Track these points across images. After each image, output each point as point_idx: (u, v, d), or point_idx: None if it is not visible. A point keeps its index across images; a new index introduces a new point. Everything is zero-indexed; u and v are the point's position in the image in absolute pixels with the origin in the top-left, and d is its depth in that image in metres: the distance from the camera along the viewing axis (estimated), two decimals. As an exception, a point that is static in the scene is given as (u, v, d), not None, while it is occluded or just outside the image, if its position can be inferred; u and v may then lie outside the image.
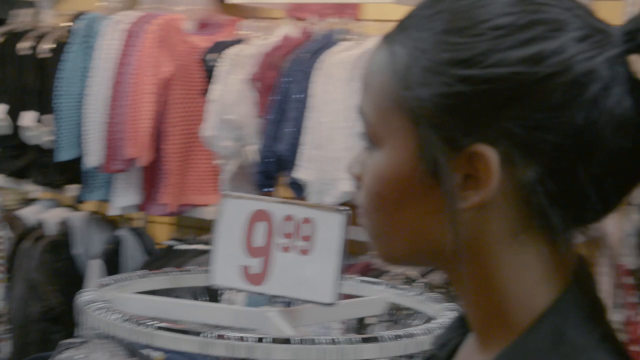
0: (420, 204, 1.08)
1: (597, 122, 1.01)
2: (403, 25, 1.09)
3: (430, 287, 3.69)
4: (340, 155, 4.22)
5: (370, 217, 1.13)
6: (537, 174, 1.02)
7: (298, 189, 4.39)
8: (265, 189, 4.48)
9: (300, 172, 4.31)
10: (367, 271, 4.14)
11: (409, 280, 3.89)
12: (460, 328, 1.24)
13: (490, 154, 1.01)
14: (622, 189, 1.05)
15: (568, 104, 1.00)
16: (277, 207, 2.59)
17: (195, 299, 3.30)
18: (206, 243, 4.94)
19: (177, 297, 3.02)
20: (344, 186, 4.20)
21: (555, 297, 1.07)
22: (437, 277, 4.28)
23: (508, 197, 1.04)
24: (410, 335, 2.35)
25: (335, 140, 4.24)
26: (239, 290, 2.84)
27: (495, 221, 1.06)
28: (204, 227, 5.10)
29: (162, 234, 5.62)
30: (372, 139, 1.10)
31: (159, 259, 5.01)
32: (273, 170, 4.45)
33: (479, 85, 1.01)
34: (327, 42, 4.48)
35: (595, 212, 1.06)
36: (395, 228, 1.11)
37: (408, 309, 2.94)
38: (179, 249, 4.95)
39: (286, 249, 2.56)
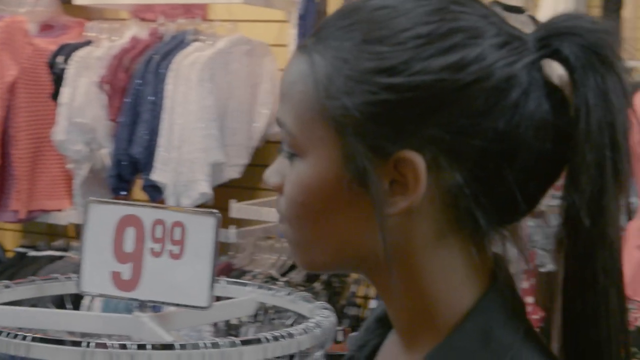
0: (347, 212, 1.08)
1: (518, 126, 1.03)
2: (320, 36, 1.09)
3: (291, 286, 3.71)
4: (195, 157, 4.22)
5: (293, 225, 1.12)
6: (463, 177, 1.04)
7: (154, 192, 4.36)
8: (119, 193, 4.44)
9: (156, 175, 4.28)
10: (229, 272, 4.15)
11: (271, 280, 3.91)
12: (378, 329, 1.26)
13: (417, 160, 1.02)
14: (543, 189, 1.08)
15: (490, 110, 1.02)
16: (147, 211, 2.56)
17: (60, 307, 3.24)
18: (60, 249, 4.87)
19: (34, 306, 2.96)
20: (201, 187, 4.21)
21: (478, 297, 1.10)
22: (296, 276, 4.32)
23: (434, 201, 1.05)
24: (290, 336, 2.35)
25: (190, 141, 4.23)
26: (110, 297, 2.78)
27: (421, 225, 1.07)
28: (56, 233, 5.02)
29: (9, 240, 5.49)
30: (294, 149, 1.09)
31: (9, 267, 4.91)
32: (127, 173, 4.41)
33: (403, 93, 1.02)
34: (178, 43, 4.46)
35: (518, 213, 1.09)
36: (320, 236, 1.11)
37: (276, 309, 2.95)
38: (31, 256, 4.86)
39: (157, 254, 2.53)
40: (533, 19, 4.68)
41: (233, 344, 2.26)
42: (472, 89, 1.02)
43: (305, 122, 1.08)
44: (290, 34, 4.69)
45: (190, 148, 4.22)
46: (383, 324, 1.25)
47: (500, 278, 1.12)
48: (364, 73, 1.03)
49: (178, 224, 2.52)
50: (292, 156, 1.09)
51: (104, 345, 2.20)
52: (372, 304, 4.28)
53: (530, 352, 1.08)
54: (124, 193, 4.47)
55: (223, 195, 4.41)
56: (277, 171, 1.14)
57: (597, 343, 1.08)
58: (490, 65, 1.03)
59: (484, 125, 1.03)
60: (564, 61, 1.05)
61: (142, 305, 2.66)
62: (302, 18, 4.29)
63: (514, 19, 4.60)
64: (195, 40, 4.46)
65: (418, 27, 1.03)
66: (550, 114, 1.04)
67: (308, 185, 1.08)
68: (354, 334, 1.29)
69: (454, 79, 1.02)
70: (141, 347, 2.21)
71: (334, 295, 4.26)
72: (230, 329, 3.21)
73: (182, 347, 2.22)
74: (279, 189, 1.13)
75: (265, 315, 2.94)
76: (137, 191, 4.62)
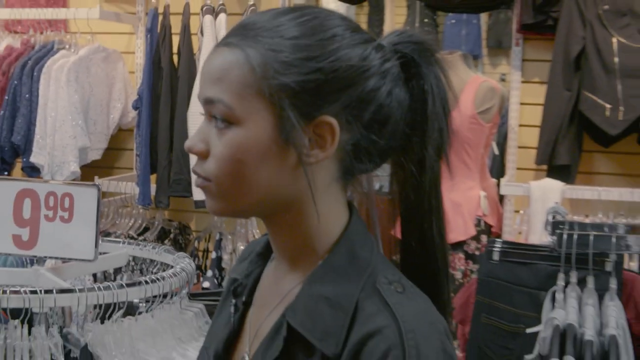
0: (273, 166, 1.16)
1: (390, 106, 1.19)
2: (248, 35, 1.17)
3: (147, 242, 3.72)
4: (66, 143, 4.19)
5: (223, 181, 1.18)
6: (352, 139, 1.18)
7: (32, 172, 4.31)
8: (3, 173, 4.36)
9: (34, 157, 4.24)
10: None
11: (131, 239, 3.92)
12: (259, 261, 1.35)
13: (334, 123, 1.15)
14: (395, 151, 1.24)
15: (377, 90, 1.18)
16: (41, 185, 2.55)
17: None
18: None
19: None
20: (72, 167, 4.19)
21: (344, 227, 1.23)
22: (150, 235, 4.34)
23: (333, 155, 1.18)
24: (163, 279, 2.40)
25: (62, 130, 4.20)
26: (13, 255, 2.75)
27: (320, 174, 1.19)
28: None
29: None
30: (231, 119, 1.15)
31: None
32: (9, 157, 4.34)
33: (326, 74, 1.14)
34: (48, 51, 4.40)
35: (376, 166, 1.24)
36: (247, 187, 1.17)
37: (143, 260, 2.98)
38: None
39: (50, 219, 2.52)
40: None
41: (121, 286, 2.29)
42: (368, 74, 1.17)
43: (243, 97, 1.15)
44: (137, 44, 4.72)
45: (61, 135, 4.18)
46: (263, 258, 1.35)
47: (354, 212, 1.25)
48: (297, 59, 1.14)
49: (67, 194, 2.51)
50: (227, 125, 1.15)
51: (18, 292, 2.19)
52: (213, 255, 4.34)
53: (383, 264, 1.21)
54: (6, 173, 4.39)
55: (88, 173, 4.39)
56: (201, 140, 1.19)
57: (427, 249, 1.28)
58: (376, 60, 1.18)
59: (372, 101, 1.18)
60: (412, 60, 1.22)
61: (39, 260, 2.65)
62: (149, 31, 4.30)
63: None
64: (62, 48, 4.41)
65: (335, 28, 1.17)
66: (408, 100, 1.22)
67: (245, 145, 1.15)
68: (236, 264, 1.35)
69: (359, 65, 1.16)
70: (48, 292, 2.21)
71: (180, 249, 4.29)
72: (106, 278, 3.21)
73: (81, 290, 2.24)
74: (203, 154, 1.19)
75: (136, 265, 2.96)
76: (17, 171, 4.54)
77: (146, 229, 4.44)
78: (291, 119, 1.15)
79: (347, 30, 1.18)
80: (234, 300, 1.35)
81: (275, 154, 1.16)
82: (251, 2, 4.17)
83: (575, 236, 2.63)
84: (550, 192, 3.80)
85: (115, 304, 2.40)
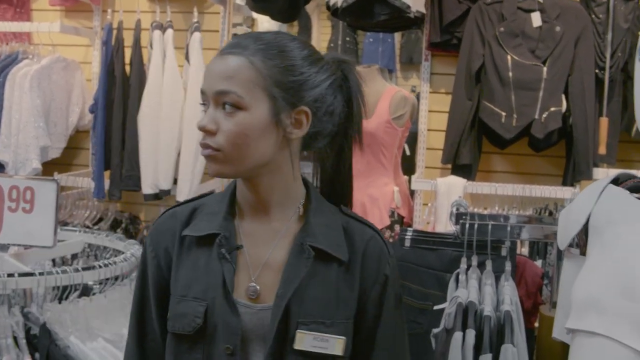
0: (267, 139, 1.43)
1: (335, 104, 1.50)
2: (248, 47, 1.42)
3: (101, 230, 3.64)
4: (29, 142, 4.08)
5: (231, 151, 1.40)
6: (312, 124, 1.47)
7: (-2, 168, 4.19)
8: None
9: (0, 155, 4.11)
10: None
11: (87, 228, 3.83)
12: (230, 220, 1.52)
13: (308, 111, 1.46)
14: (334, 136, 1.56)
15: (330, 93, 1.48)
16: (4, 180, 2.48)
17: None
18: None
19: None
20: (34, 164, 4.08)
21: (305, 184, 1.57)
22: (104, 225, 4.25)
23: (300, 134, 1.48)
24: (115, 263, 2.35)
25: (25, 131, 4.09)
26: (-21, 242, 2.67)
27: (293, 146, 1.49)
28: None
29: None
30: (240, 106, 1.39)
31: None
32: (-24, 155, 4.20)
33: (304, 80, 1.44)
34: (12, 60, 4.27)
35: (322, 145, 1.55)
36: (248, 155, 1.41)
37: (97, 247, 2.92)
38: None
39: (13, 210, 2.46)
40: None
41: (77, 270, 2.24)
42: (325, 81, 1.48)
43: (250, 91, 1.40)
44: (94, 55, 4.61)
45: (25, 136, 4.06)
46: (231, 217, 1.53)
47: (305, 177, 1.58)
48: (284, 68, 1.42)
49: (29, 188, 2.46)
50: (235, 110, 1.40)
51: (-15, 275, 2.13)
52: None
53: (343, 211, 1.58)
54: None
55: (49, 169, 4.29)
56: (210, 121, 1.41)
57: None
58: (328, 72, 1.49)
59: (326, 99, 1.48)
60: (344, 73, 1.52)
61: (3, 247, 2.58)
62: (104, 43, 4.22)
63: (239, 30, 4.67)
64: (25, 58, 4.28)
65: (303, 50, 1.47)
66: (342, 98, 1.52)
67: (250, 124, 1.40)
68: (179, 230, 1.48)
69: (319, 75, 1.47)
70: (10, 275, 2.15)
71: (130, 237, 4.20)
72: (64, 263, 3.13)
73: (41, 274, 2.18)
74: (213, 132, 1.41)
75: (90, 251, 2.89)
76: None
77: (100, 220, 4.36)
78: (281, 106, 1.42)
79: (311, 49, 1.48)
80: (220, 250, 1.47)
81: (269, 131, 1.42)
82: (195, 20, 4.11)
83: (475, 225, 2.63)
84: (454, 187, 3.82)
85: (71, 285, 2.36)
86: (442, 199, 3.82)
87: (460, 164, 3.95)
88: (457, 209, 2.94)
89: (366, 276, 1.50)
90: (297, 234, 1.49)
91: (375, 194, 3.95)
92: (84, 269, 2.26)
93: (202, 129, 1.41)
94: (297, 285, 1.44)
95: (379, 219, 3.91)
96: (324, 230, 1.49)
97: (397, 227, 3.94)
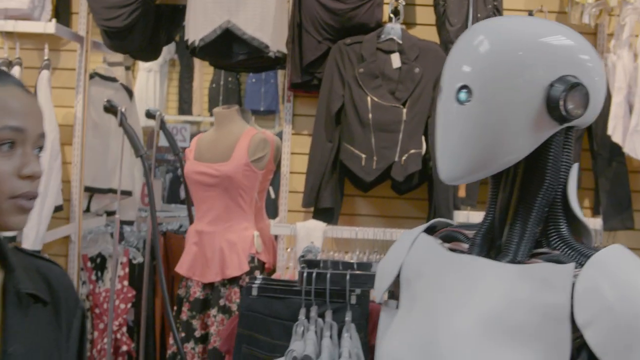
0: None
1: None
2: None
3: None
4: None
5: None
6: None
7: None
8: None
9: None
10: None
11: None
12: None
13: None
14: None
15: None
16: None
17: None
18: None
19: None
20: None
21: None
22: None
23: None
24: None
25: None
26: None
27: None
28: None
29: None
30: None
31: None
32: None
33: None
34: None
35: None
36: None
37: None
38: None
39: None
40: (124, 86, 4.60)
41: None
42: None
43: None
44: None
45: None
46: None
47: None
48: None
49: None
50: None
51: None
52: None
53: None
54: None
55: None
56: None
57: None
58: None
59: None
60: None
61: None
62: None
63: (110, 86, 4.51)
64: None
65: None
66: None
67: None
68: None
69: None
70: None
71: None
72: None
73: None
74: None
75: None
76: None
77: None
78: None
79: None
80: None
81: None
82: (45, 58, 3.90)
83: (314, 274, 2.52)
84: (313, 231, 3.72)
85: None
86: (301, 243, 3.70)
87: (321, 207, 3.85)
88: (303, 256, 2.84)
89: (66, 314, 1.38)
90: (4, 283, 1.28)
91: (233, 239, 3.81)
92: None
93: (39, 175, 1.24)
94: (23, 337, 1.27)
95: (238, 265, 3.77)
96: (24, 273, 1.31)
97: (257, 274, 3.80)
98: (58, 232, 3.95)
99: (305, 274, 2.52)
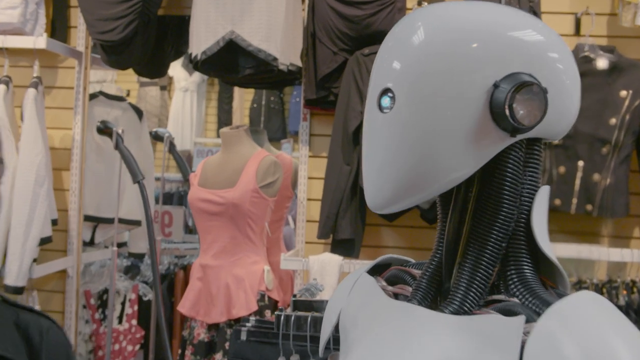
0: None
1: None
2: None
3: None
4: None
5: None
6: None
7: None
8: None
9: None
10: None
11: None
12: None
13: None
14: None
15: None
16: None
17: None
18: None
19: None
20: None
21: None
22: None
23: None
24: None
25: None
26: None
27: None
28: None
29: None
30: None
31: None
32: None
33: None
34: None
35: None
36: None
37: None
38: None
39: None
40: (132, 105, 4.30)
41: None
42: None
43: None
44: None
45: None
46: None
47: None
48: None
49: None
50: None
51: None
52: None
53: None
54: None
55: None
56: None
57: None
58: None
59: None
60: None
61: None
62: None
63: (117, 105, 4.22)
64: None
65: None
66: None
67: None
68: None
69: None
70: None
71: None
72: None
73: None
74: None
75: None
76: None
77: None
78: None
79: None
80: None
81: None
82: (35, 75, 3.61)
83: (292, 318, 2.14)
84: (328, 266, 3.32)
85: None
86: (317, 279, 3.31)
87: (339, 238, 3.45)
88: (295, 295, 2.47)
89: None
90: None
91: (241, 274, 3.43)
92: None
93: None
94: None
95: (245, 304, 3.39)
96: None
97: (267, 313, 3.42)
98: (52, 265, 3.63)
99: (282, 317, 2.14)
